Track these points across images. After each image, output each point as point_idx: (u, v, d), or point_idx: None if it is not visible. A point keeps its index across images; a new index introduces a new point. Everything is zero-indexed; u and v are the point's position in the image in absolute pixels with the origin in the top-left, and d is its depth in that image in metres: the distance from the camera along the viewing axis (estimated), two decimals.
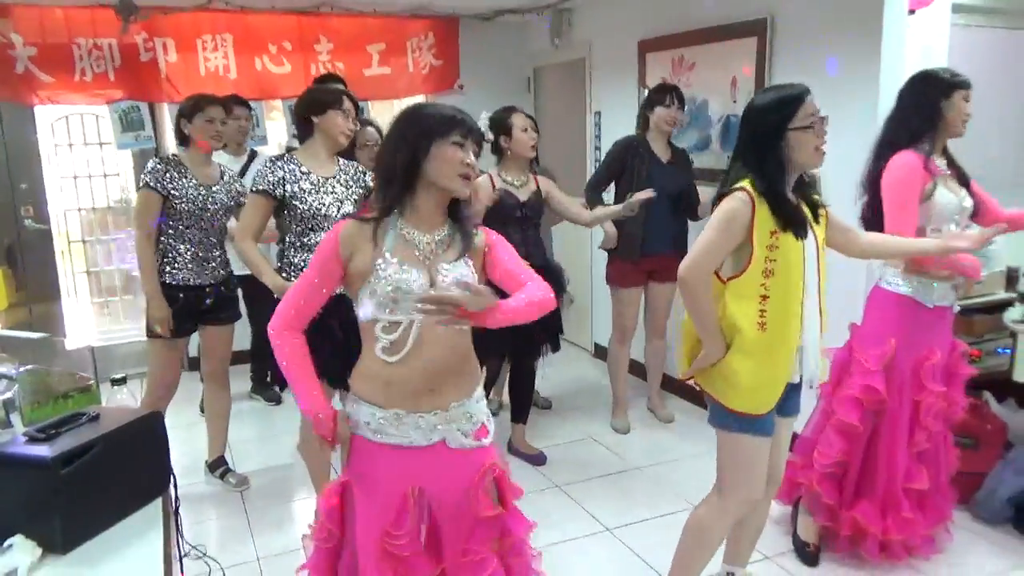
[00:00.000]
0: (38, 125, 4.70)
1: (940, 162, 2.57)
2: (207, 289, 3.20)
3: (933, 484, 2.65)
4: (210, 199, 3.14)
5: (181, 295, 3.13)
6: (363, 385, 1.74)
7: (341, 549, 1.82)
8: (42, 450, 1.48)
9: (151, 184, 3.03)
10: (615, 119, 4.67)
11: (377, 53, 5.12)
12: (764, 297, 1.99)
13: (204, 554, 2.21)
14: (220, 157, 4.08)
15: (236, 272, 4.08)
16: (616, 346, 4.01)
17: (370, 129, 3.62)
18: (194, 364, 4.11)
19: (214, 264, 3.22)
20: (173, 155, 3.17)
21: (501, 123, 3.40)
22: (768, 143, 1.99)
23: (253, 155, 4.19)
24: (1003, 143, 3.90)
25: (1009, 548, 2.81)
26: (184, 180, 3.08)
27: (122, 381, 1.96)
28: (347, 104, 2.77)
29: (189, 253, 3.13)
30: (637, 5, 4.47)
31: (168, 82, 4.63)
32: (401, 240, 1.70)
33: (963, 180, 2.61)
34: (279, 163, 2.74)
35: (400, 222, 1.72)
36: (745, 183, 1.99)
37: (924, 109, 2.51)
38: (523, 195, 3.43)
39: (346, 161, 2.92)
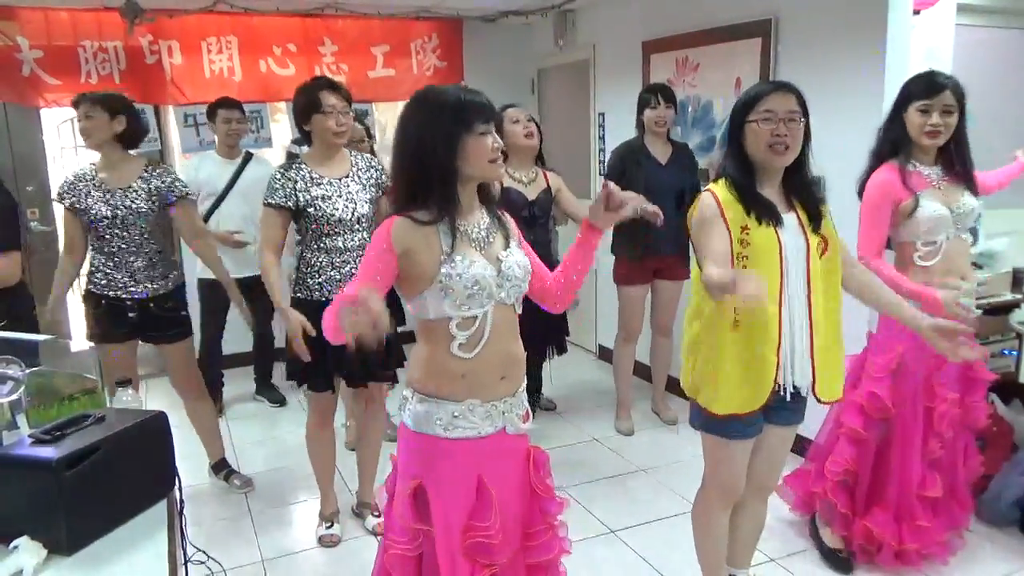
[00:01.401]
0: (44, 127, 4.72)
1: (930, 171, 2.50)
2: (128, 303, 3.01)
3: (948, 490, 2.61)
4: (120, 204, 2.92)
5: (103, 302, 3.01)
6: (433, 382, 1.73)
7: (422, 554, 1.78)
8: (47, 452, 1.48)
9: (57, 199, 2.98)
10: (619, 120, 4.66)
11: (381, 55, 5.13)
12: None
13: (208, 556, 2.21)
14: (213, 159, 4.10)
15: (232, 276, 4.10)
16: (621, 346, 4.02)
17: (357, 125, 3.59)
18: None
19: (138, 278, 3.00)
20: (92, 163, 3.00)
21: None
22: (733, 135, 2.02)
23: (248, 157, 4.18)
24: (1007, 143, 3.88)
25: (1015, 550, 2.80)
26: (91, 190, 2.92)
27: (126, 383, 1.96)
28: (328, 102, 2.67)
29: (110, 264, 2.99)
30: (641, 6, 4.47)
31: (173, 84, 4.65)
32: (458, 234, 1.69)
33: (966, 182, 2.52)
34: (289, 173, 2.70)
35: (454, 217, 1.70)
36: (711, 185, 2.04)
37: (891, 121, 2.49)
38: (532, 193, 3.40)
39: (362, 156, 2.87)
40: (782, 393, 2.04)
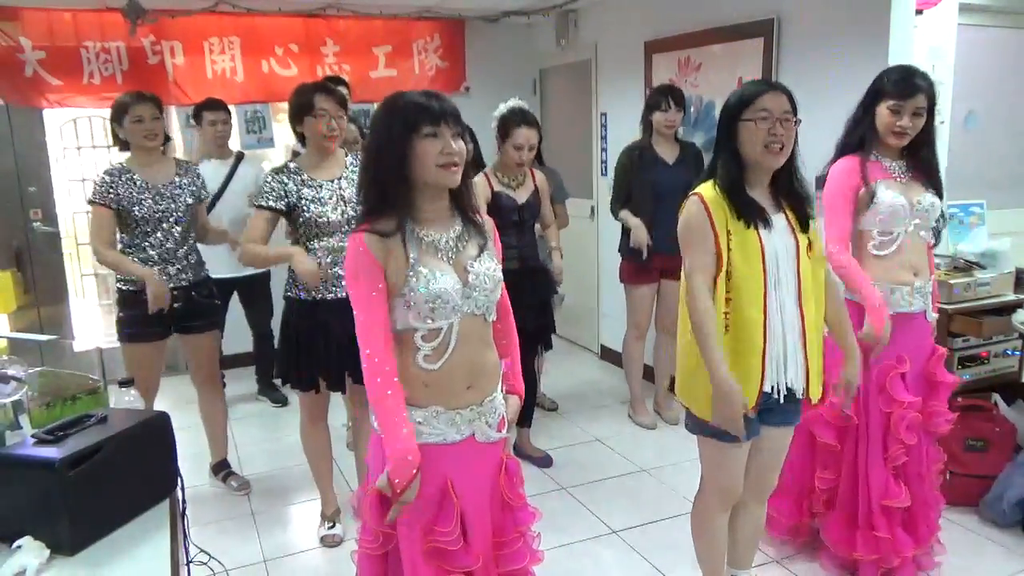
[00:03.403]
0: (47, 128, 4.72)
1: (892, 163, 2.47)
2: (175, 292, 3.06)
3: (920, 500, 2.54)
4: (168, 200, 3.04)
5: (145, 298, 2.98)
6: None
7: (389, 555, 1.80)
8: (50, 452, 1.48)
9: (98, 200, 2.95)
10: (621, 120, 4.66)
11: (383, 55, 5.14)
12: (727, 299, 1.98)
13: (210, 556, 2.21)
14: (207, 161, 4.11)
15: (229, 275, 4.11)
16: (632, 343, 4.04)
17: (351, 127, 3.59)
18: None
19: (179, 267, 3.10)
20: (120, 164, 3.05)
21: (503, 127, 3.34)
22: (723, 133, 2.01)
23: (240, 157, 4.17)
24: (1011, 142, 3.89)
25: (1018, 551, 2.79)
26: (134, 188, 2.98)
27: (129, 383, 1.97)
28: (321, 105, 2.67)
29: (153, 257, 3.03)
30: (643, 6, 4.47)
31: (176, 85, 4.66)
32: (423, 245, 1.67)
33: (933, 185, 2.48)
34: (280, 176, 2.70)
35: (415, 227, 1.68)
36: (699, 188, 2.03)
37: (862, 113, 2.46)
38: (521, 197, 3.38)
39: (357, 157, 2.84)
40: (775, 395, 2.03)
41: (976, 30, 3.57)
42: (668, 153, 3.77)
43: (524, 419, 3.70)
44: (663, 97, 3.70)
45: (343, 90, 3.86)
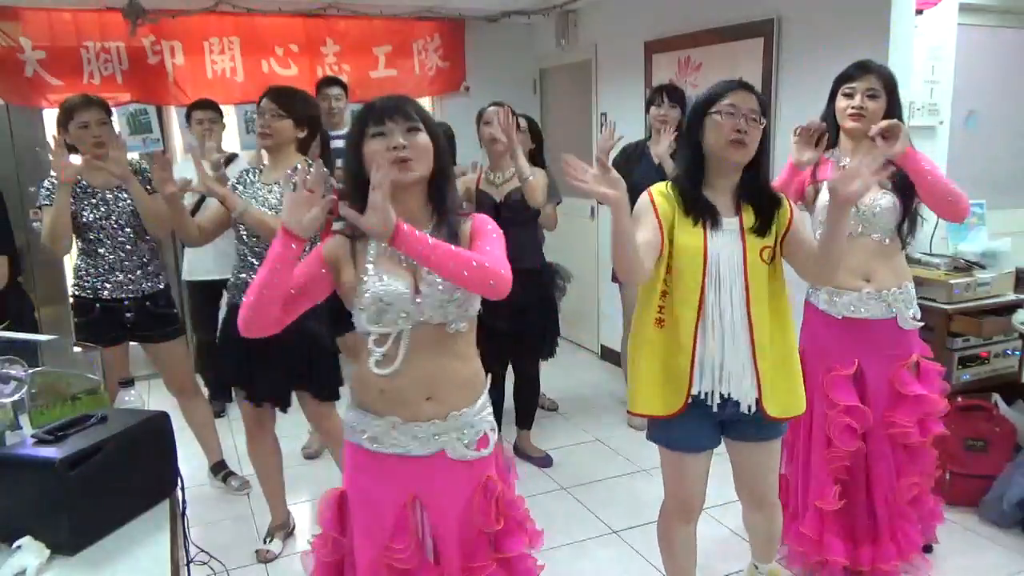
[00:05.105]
0: (47, 128, 4.72)
1: (848, 162, 2.38)
2: (126, 303, 3.01)
3: (888, 510, 2.49)
4: (114, 205, 2.94)
5: (97, 305, 2.98)
6: (359, 394, 1.72)
7: (343, 563, 1.77)
8: (50, 452, 1.48)
9: (47, 204, 2.85)
10: (621, 120, 4.63)
11: (383, 55, 5.14)
12: (664, 293, 1.97)
13: (211, 556, 2.21)
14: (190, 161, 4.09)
15: (221, 277, 4.06)
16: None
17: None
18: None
19: (131, 277, 3.00)
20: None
21: (477, 119, 3.39)
22: (692, 128, 1.99)
23: (232, 158, 4.16)
24: (1011, 142, 3.88)
25: (1019, 551, 2.79)
26: (79, 191, 2.89)
27: (129, 383, 1.97)
28: (263, 104, 2.65)
29: (103, 265, 2.97)
30: (643, 6, 4.47)
31: (176, 85, 4.66)
32: (382, 249, 1.65)
33: (899, 187, 2.36)
34: (239, 174, 2.75)
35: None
36: (651, 187, 2.02)
37: (828, 110, 2.46)
38: (500, 194, 3.34)
39: (309, 162, 2.62)
40: (708, 403, 1.97)
41: (976, 30, 3.56)
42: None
43: (524, 420, 3.71)
44: (657, 94, 3.70)
45: (337, 89, 3.87)
